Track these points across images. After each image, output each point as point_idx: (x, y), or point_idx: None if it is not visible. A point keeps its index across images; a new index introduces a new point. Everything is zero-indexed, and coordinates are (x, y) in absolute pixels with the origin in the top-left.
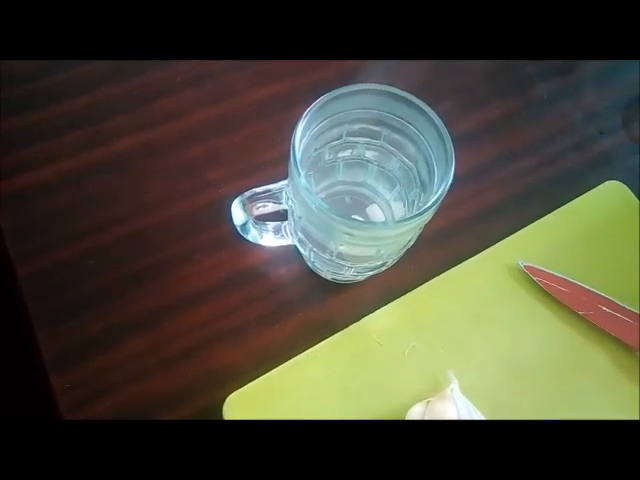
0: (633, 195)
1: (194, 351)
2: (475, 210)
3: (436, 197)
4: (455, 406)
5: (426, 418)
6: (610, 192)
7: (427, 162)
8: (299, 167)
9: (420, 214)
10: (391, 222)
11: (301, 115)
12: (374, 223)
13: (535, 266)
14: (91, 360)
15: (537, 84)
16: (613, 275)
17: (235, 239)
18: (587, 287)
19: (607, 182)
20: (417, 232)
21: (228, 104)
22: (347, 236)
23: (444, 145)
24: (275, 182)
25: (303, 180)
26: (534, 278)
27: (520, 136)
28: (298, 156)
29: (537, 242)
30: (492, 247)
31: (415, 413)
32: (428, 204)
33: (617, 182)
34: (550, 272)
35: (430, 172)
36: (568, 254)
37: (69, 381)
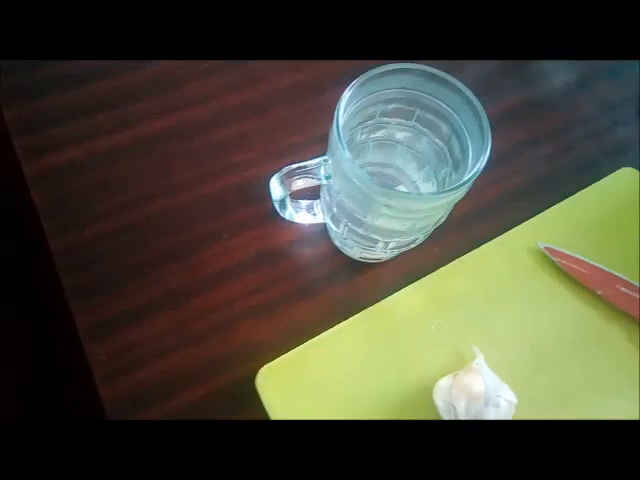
0: None
1: (224, 326)
2: (496, 195)
3: (473, 172)
4: (482, 379)
5: (454, 391)
6: (624, 178)
7: (460, 141)
8: (342, 140)
9: (458, 187)
10: (429, 194)
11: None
12: (413, 194)
13: (554, 247)
14: (125, 333)
15: (555, 75)
16: (629, 257)
17: (263, 219)
18: (604, 268)
19: (622, 169)
20: (448, 209)
21: (255, 90)
22: (386, 208)
23: (480, 123)
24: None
25: (347, 153)
26: (553, 259)
27: (539, 125)
28: (341, 130)
29: (556, 225)
30: (512, 230)
31: (443, 386)
32: (465, 178)
33: (631, 169)
34: (569, 253)
35: (464, 151)
36: (585, 236)
37: (104, 353)
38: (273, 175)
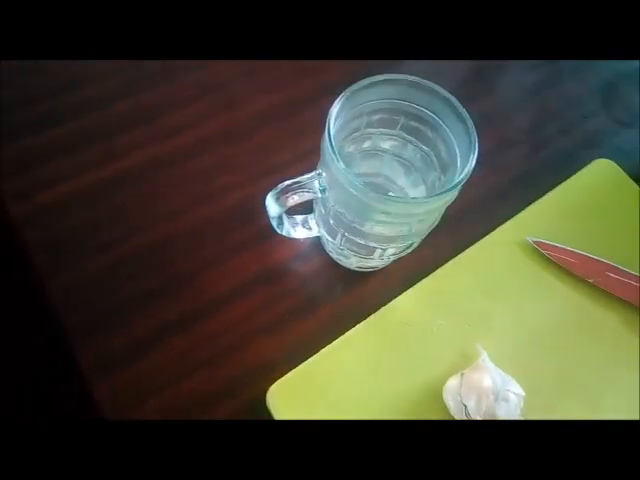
0: (621, 170)
1: (232, 349)
2: (479, 196)
3: (465, 172)
4: (489, 375)
5: (463, 389)
6: (600, 169)
7: (447, 144)
8: (336, 152)
9: (452, 188)
10: (424, 197)
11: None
12: (410, 198)
13: (543, 240)
14: (131, 366)
15: (521, 76)
16: (613, 243)
17: (258, 239)
18: (592, 256)
19: (596, 160)
20: (441, 211)
21: (233, 114)
22: (383, 215)
23: (465, 124)
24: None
25: (341, 164)
26: (543, 252)
27: (511, 126)
28: (334, 143)
29: (541, 219)
30: (500, 227)
31: (452, 386)
32: (458, 179)
33: (605, 160)
34: (557, 245)
35: (451, 153)
36: (570, 227)
37: (111, 388)
38: (267, 194)
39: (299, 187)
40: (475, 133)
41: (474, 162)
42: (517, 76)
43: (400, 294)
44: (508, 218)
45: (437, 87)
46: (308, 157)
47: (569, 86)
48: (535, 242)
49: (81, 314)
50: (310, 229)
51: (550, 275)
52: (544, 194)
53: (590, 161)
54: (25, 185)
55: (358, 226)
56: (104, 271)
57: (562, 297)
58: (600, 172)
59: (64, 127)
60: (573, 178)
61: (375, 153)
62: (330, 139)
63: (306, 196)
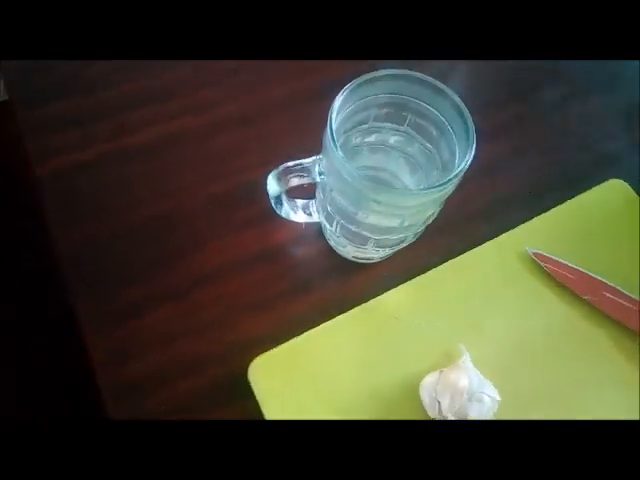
0: (634, 192)
1: (221, 321)
2: (487, 202)
3: (458, 170)
4: (467, 376)
5: (439, 387)
6: (612, 189)
7: (449, 144)
8: (335, 140)
9: (444, 184)
10: (416, 190)
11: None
12: (401, 189)
13: (543, 253)
14: (125, 325)
15: (544, 89)
16: (615, 264)
17: (261, 219)
18: (591, 274)
19: (610, 180)
20: (437, 208)
21: (253, 99)
22: (375, 204)
23: (466, 125)
24: None
25: (339, 151)
26: (541, 264)
27: (530, 136)
28: (334, 130)
29: (545, 232)
30: (502, 235)
31: (429, 382)
32: (451, 176)
33: (619, 180)
34: (557, 259)
35: (451, 152)
36: (573, 244)
37: (105, 342)
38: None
39: (300, 169)
40: (474, 133)
41: (469, 162)
42: (541, 87)
43: (393, 288)
44: (513, 227)
45: (440, 84)
46: (319, 147)
47: (593, 104)
48: (534, 253)
49: (84, 274)
50: (310, 215)
51: (545, 288)
52: (552, 207)
53: (604, 180)
54: (45, 148)
55: (352, 214)
56: (110, 237)
57: (554, 311)
58: (612, 192)
59: (85, 98)
60: (583, 195)
61: (383, 148)
62: (331, 127)
63: (305, 179)
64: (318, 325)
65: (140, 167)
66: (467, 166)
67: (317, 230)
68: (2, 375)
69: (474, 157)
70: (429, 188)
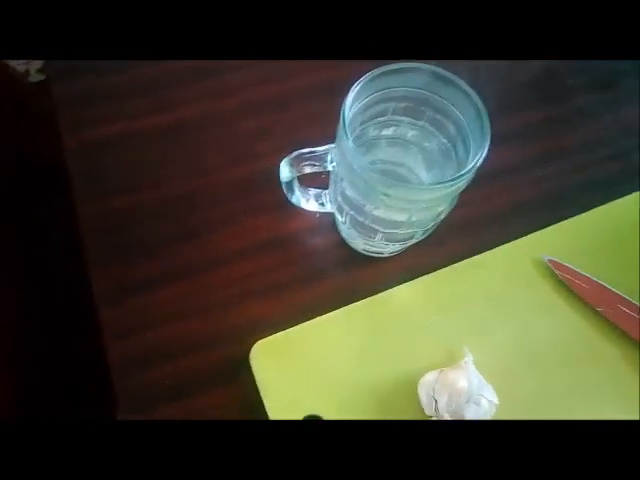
0: None
1: (231, 302)
2: (507, 204)
3: (467, 169)
4: (467, 377)
5: (437, 385)
6: (638, 202)
7: (465, 141)
8: (347, 130)
9: (451, 181)
10: (425, 184)
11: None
12: (410, 184)
13: (559, 261)
14: (137, 298)
15: (579, 95)
16: (632, 278)
17: (277, 206)
18: (608, 286)
19: (636, 192)
20: (448, 206)
21: (280, 86)
22: (384, 197)
23: (481, 122)
24: None
25: (350, 142)
26: (556, 272)
27: (558, 142)
28: (347, 120)
29: (563, 240)
30: (519, 239)
31: (428, 380)
32: (459, 173)
33: None
34: (573, 268)
35: (467, 150)
36: (591, 254)
37: (116, 314)
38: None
39: (312, 157)
40: (489, 135)
41: (481, 160)
42: (573, 93)
43: (401, 284)
44: (530, 232)
45: (459, 80)
46: None
47: (628, 114)
48: (549, 261)
49: (99, 244)
50: (323, 204)
51: (558, 296)
52: (574, 215)
53: (630, 192)
54: (77, 121)
55: (361, 205)
56: (129, 208)
57: (565, 320)
58: (637, 205)
59: (123, 74)
60: (608, 205)
61: (401, 142)
62: (344, 117)
63: (317, 168)
64: (323, 313)
65: (165, 147)
66: (478, 165)
67: (331, 221)
68: (2, 374)
69: (495, 158)
70: (437, 184)
